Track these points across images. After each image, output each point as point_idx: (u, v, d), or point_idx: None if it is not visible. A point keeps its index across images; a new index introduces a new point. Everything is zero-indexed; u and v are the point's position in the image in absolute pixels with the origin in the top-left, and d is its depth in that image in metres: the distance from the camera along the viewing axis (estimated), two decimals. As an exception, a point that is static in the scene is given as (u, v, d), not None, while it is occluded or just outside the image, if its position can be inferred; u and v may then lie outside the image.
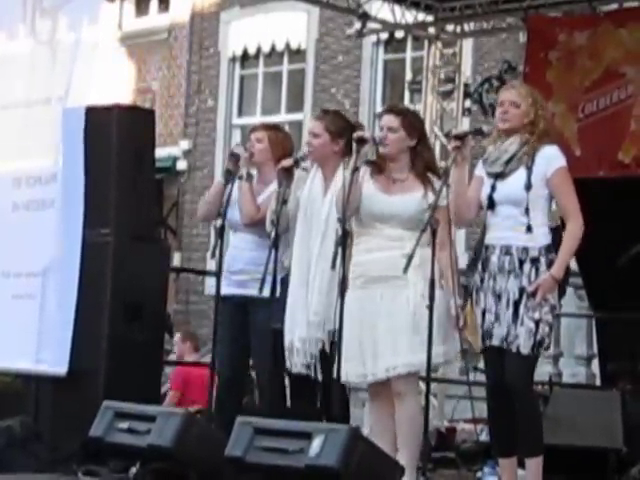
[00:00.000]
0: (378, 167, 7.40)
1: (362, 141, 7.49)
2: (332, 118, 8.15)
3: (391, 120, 7.47)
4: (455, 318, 7.09)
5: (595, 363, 11.56)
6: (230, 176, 8.17)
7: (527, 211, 6.97)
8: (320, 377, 7.61)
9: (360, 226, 7.38)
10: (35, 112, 8.90)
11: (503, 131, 7.09)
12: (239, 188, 8.12)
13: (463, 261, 8.27)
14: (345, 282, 7.26)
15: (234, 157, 8.26)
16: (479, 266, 7.17)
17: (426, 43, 12.54)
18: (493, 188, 7.08)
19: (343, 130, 7.89)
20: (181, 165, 17.35)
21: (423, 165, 7.34)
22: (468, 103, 12.08)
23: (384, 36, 14.27)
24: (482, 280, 7.09)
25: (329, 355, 7.41)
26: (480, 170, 7.19)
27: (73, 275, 8.44)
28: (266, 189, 8.16)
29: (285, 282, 7.84)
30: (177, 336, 13.75)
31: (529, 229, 6.98)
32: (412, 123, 7.50)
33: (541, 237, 7.01)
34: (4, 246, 9.12)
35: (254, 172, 8.36)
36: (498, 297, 6.99)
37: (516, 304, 6.93)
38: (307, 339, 7.57)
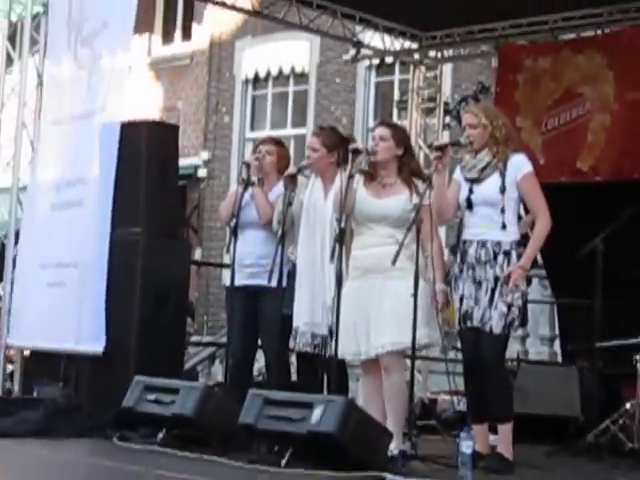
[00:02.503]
0: (370, 176, 7.41)
1: (357, 152, 7.52)
2: (328, 134, 8.17)
3: (383, 131, 7.49)
4: (441, 298, 7.10)
5: (557, 343, 11.56)
6: (244, 183, 8.21)
7: (503, 211, 7.00)
8: (326, 355, 7.63)
9: (357, 225, 7.40)
10: (76, 127, 8.89)
11: (473, 148, 7.15)
12: (254, 193, 8.15)
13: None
14: (341, 273, 7.29)
15: (247, 166, 8.31)
16: (458, 258, 7.19)
17: (411, 67, 12.49)
18: (471, 191, 7.11)
19: (338, 143, 7.91)
20: (201, 173, 17.30)
21: (409, 171, 7.34)
22: (447, 119, 12.07)
23: (375, 61, 14.20)
24: (461, 270, 7.11)
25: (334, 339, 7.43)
26: (458, 175, 7.23)
27: (103, 267, 8.45)
28: (270, 193, 8.18)
29: (291, 274, 7.87)
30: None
31: (503, 226, 7.01)
32: (400, 135, 7.52)
33: (512, 233, 7.04)
34: (42, 241, 9.11)
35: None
36: (478, 284, 7.00)
37: (492, 291, 6.95)
38: (312, 323, 7.60)
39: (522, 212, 7.22)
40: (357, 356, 7.28)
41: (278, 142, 8.71)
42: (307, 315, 7.61)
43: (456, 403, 9.53)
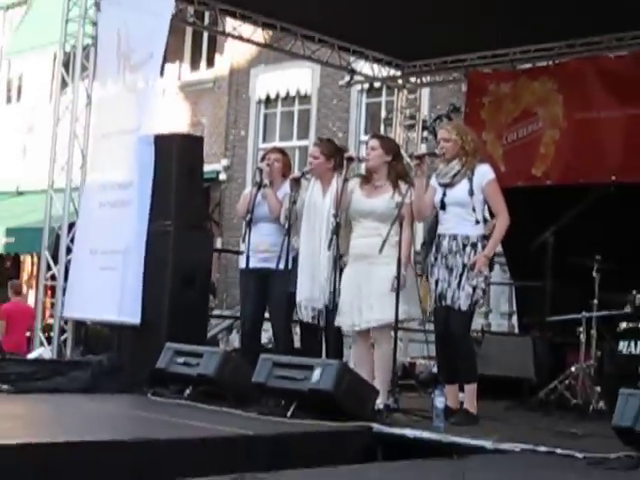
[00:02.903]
0: (366, 179, 7.45)
1: (350, 159, 7.59)
2: (326, 144, 8.20)
3: (373, 142, 7.52)
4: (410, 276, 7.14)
5: (514, 318, 11.56)
6: (258, 185, 8.23)
7: (471, 210, 7.02)
8: (322, 325, 7.64)
9: (352, 220, 7.42)
10: (122, 139, 8.90)
11: (446, 159, 7.16)
12: (265, 193, 8.15)
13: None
14: (337, 259, 7.33)
15: (259, 171, 8.31)
16: (433, 249, 7.20)
17: (396, 91, 12.47)
18: (444, 194, 7.11)
19: (334, 152, 7.93)
20: (222, 176, 17.26)
21: (395, 174, 7.33)
22: (425, 134, 12.05)
23: (366, 86, 14.15)
24: (436, 259, 7.12)
25: (329, 311, 7.44)
26: (433, 181, 7.23)
27: (141, 254, 8.46)
28: (278, 193, 8.17)
29: (295, 259, 7.88)
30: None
31: (471, 223, 7.03)
32: (387, 145, 7.52)
33: (478, 229, 7.04)
34: (93, 232, 9.09)
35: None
36: (450, 270, 7.00)
37: (461, 275, 6.97)
38: (311, 299, 7.61)
39: (487, 215, 7.24)
40: (351, 327, 7.32)
41: (283, 151, 8.73)
42: (307, 292, 7.62)
43: (431, 366, 9.54)
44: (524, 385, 8.86)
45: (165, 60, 9.83)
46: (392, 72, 12.12)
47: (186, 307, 8.28)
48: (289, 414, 6.54)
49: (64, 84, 9.97)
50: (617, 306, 8.30)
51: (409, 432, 6.28)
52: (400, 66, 11.96)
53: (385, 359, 7.22)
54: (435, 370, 8.72)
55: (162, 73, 9.45)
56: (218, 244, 15.40)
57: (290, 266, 7.81)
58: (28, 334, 12.10)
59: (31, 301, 16.06)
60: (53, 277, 9.48)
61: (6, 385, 7.44)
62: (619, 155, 9.93)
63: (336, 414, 6.38)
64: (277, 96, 16.95)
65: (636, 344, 7.77)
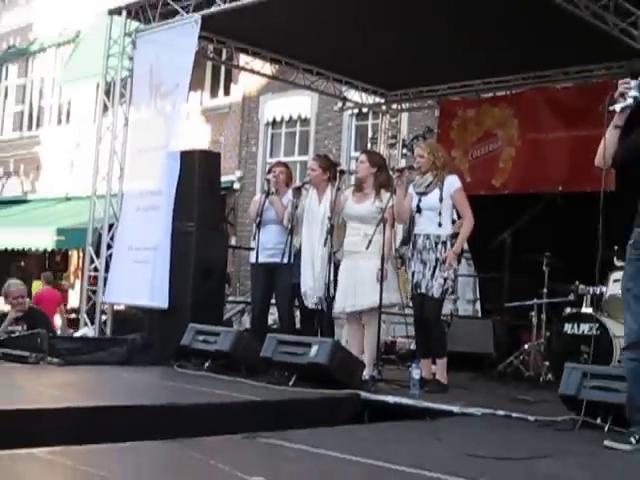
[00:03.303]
0: (358, 188, 7.45)
1: (342, 172, 7.61)
2: (323, 159, 8.19)
3: (361, 157, 7.57)
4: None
5: (477, 304, 11.55)
6: (266, 193, 8.22)
7: (441, 214, 7.01)
8: (321, 309, 7.63)
9: (346, 222, 7.43)
10: (154, 154, 8.90)
11: (421, 171, 7.16)
12: (272, 200, 8.13)
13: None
14: (332, 255, 7.33)
15: (267, 182, 8.30)
16: (410, 246, 7.20)
17: (380, 115, 12.45)
18: (419, 201, 7.11)
19: (329, 166, 7.92)
20: (236, 185, 17.20)
21: (379, 184, 7.34)
22: (404, 151, 12.00)
23: (356, 111, 14.09)
24: (412, 254, 7.12)
25: (326, 298, 7.43)
26: (411, 190, 7.22)
27: (168, 250, 8.46)
28: (282, 199, 8.17)
29: (297, 255, 7.87)
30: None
31: (441, 225, 7.02)
32: (373, 159, 7.53)
33: (448, 229, 7.05)
34: (130, 232, 9.05)
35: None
36: (424, 264, 6.99)
37: (434, 268, 6.96)
38: (315, 288, 7.59)
39: (455, 217, 7.24)
40: (344, 310, 7.31)
41: (286, 165, 8.72)
42: (311, 283, 7.61)
43: (409, 344, 9.53)
44: (485, 360, 8.87)
45: (189, 89, 9.75)
46: (377, 100, 12.08)
47: (206, 294, 8.26)
48: (291, 383, 6.55)
49: (105, 108, 9.96)
50: (563, 294, 8.32)
51: (390, 398, 6.30)
52: (384, 95, 11.93)
53: (373, 338, 7.21)
54: (412, 347, 8.72)
55: (187, 100, 9.38)
56: (232, 242, 15.35)
57: (292, 260, 7.82)
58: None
59: (77, 289, 16.08)
60: (96, 269, 9.46)
61: (57, 359, 7.44)
62: (564, 169, 9.91)
63: (330, 383, 6.39)
64: (282, 119, 16.90)
65: (578, 326, 7.77)
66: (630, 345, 4.69)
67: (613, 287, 7.63)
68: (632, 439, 4.50)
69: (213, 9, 8.64)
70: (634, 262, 4.78)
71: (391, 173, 7.63)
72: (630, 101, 4.73)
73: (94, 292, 9.45)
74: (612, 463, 4.31)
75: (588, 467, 4.23)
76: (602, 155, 4.81)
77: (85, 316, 9.69)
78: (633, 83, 4.73)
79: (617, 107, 4.76)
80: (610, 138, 4.82)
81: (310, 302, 7.66)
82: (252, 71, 11.24)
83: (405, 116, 13.13)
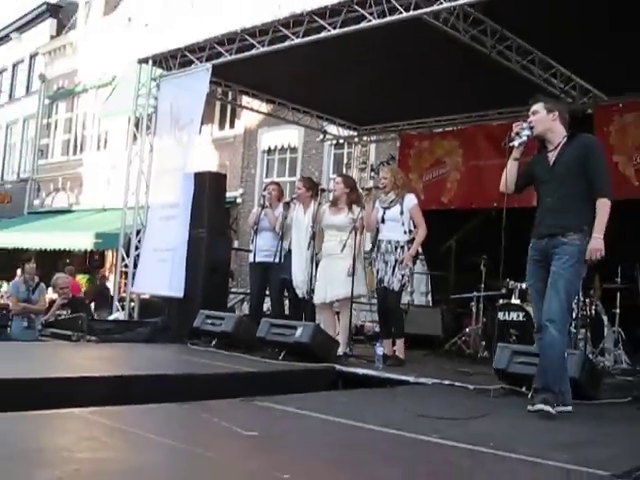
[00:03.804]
0: (334, 203, 7.44)
1: (323, 190, 7.67)
2: (307, 180, 8.14)
3: (338, 179, 7.54)
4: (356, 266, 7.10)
5: (429, 295, 11.54)
6: (262, 206, 8.19)
7: (401, 224, 7.00)
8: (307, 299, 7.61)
9: (324, 230, 7.42)
10: (171, 174, 8.87)
11: (385, 190, 7.15)
12: (266, 212, 8.11)
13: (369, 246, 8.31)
14: (314, 256, 7.31)
15: (263, 197, 8.27)
16: (375, 249, 7.19)
17: (353, 145, 12.47)
18: (384, 213, 7.09)
19: (312, 186, 7.88)
20: (238, 200, 17.13)
21: (350, 201, 7.33)
22: (372, 174, 12.01)
23: (334, 141, 14.11)
24: (377, 256, 7.08)
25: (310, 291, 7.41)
26: (377, 205, 7.20)
27: (185, 251, 8.43)
28: (275, 211, 8.13)
29: (286, 256, 7.85)
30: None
31: (400, 233, 7.00)
32: (347, 181, 7.50)
33: (406, 236, 7.00)
34: (155, 236, 9.00)
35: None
36: (386, 263, 6.95)
37: (394, 267, 6.94)
38: (304, 282, 7.56)
39: (412, 227, 7.23)
40: (323, 300, 7.29)
41: (278, 184, 8.69)
42: (301, 277, 7.57)
43: (374, 327, 9.51)
44: (435, 340, 8.87)
45: (202, 123, 9.73)
46: (351, 133, 12.09)
47: (213, 286, 8.23)
48: (280, 358, 6.55)
49: (135, 138, 9.91)
50: (496, 288, 8.32)
51: (360, 370, 6.30)
52: (356, 129, 11.93)
53: (345, 322, 7.20)
54: (377, 330, 8.70)
55: (199, 131, 9.36)
56: (235, 245, 15.31)
57: (282, 260, 7.79)
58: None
59: (111, 282, 16.00)
60: (126, 265, 9.41)
61: (94, 337, 7.41)
62: (497, 189, 9.91)
63: (311, 358, 6.40)
64: (275, 147, 16.86)
65: (509, 314, 7.78)
66: (538, 329, 4.69)
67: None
68: (548, 406, 4.43)
69: (221, 60, 8.67)
70: (532, 261, 4.83)
71: (361, 192, 7.63)
72: (525, 139, 4.80)
73: (125, 284, 9.40)
74: (534, 423, 4.33)
75: (514, 426, 4.25)
76: (504, 183, 4.92)
77: (117, 303, 9.66)
78: (525, 125, 4.79)
79: (515, 143, 4.83)
80: (511, 169, 4.94)
81: (300, 293, 7.61)
82: (252, 109, 11.28)
83: (373, 146, 13.14)
